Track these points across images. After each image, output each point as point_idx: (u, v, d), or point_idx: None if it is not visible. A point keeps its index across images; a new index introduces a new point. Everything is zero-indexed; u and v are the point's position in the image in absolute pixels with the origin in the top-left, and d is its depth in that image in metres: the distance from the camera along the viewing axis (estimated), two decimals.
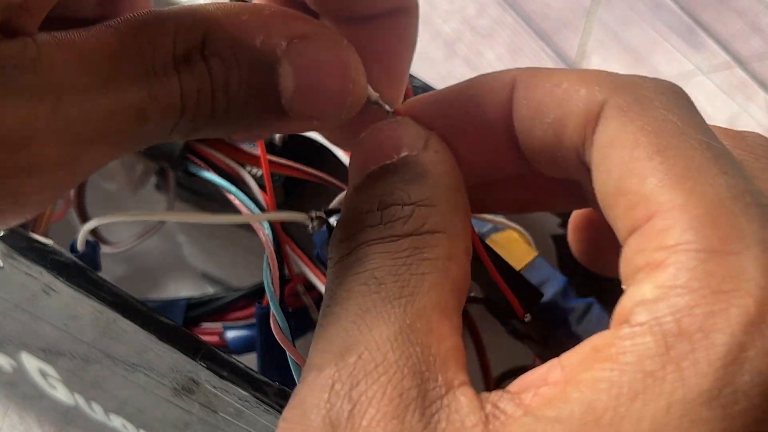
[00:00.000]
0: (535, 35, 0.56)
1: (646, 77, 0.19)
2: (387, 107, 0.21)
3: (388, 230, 0.19)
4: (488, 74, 0.21)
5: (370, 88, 0.21)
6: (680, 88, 0.19)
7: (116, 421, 0.37)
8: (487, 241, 0.32)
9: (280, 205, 0.32)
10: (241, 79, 0.18)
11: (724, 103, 0.53)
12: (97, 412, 0.37)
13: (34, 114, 0.15)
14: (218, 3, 0.18)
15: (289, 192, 0.36)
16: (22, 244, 0.29)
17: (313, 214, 0.22)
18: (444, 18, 0.56)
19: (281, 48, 0.18)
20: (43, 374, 0.37)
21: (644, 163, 0.17)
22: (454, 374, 0.17)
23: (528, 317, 0.24)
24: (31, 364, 0.36)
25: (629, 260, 0.17)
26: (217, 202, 0.34)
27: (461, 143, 0.21)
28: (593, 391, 0.15)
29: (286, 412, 0.18)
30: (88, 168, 0.17)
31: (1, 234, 0.29)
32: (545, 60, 0.55)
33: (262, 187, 0.32)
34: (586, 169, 0.19)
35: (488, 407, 0.16)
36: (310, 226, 0.22)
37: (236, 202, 0.31)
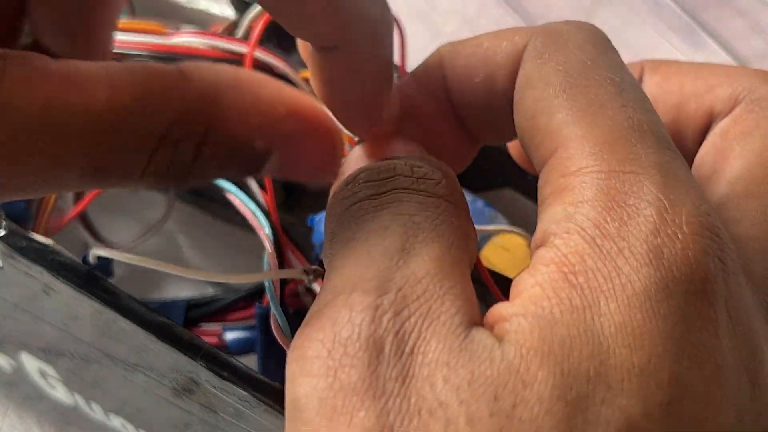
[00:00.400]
0: None
1: (568, 21, 0.21)
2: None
3: (421, 185, 0.19)
4: (420, 66, 0.22)
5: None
6: (598, 30, 0.20)
7: (116, 421, 0.37)
8: (490, 244, 0.32)
9: (281, 206, 0.32)
10: (225, 170, 0.19)
11: None
12: (96, 412, 0.37)
13: None
14: (234, 81, 0.18)
15: (289, 193, 0.36)
16: (22, 244, 0.29)
17: (310, 268, 0.22)
18: (444, 18, 0.56)
19: (278, 145, 0.19)
20: (43, 374, 0.37)
21: (552, 101, 0.18)
22: (477, 314, 0.17)
23: None
24: (31, 364, 0.36)
25: (540, 192, 0.18)
26: (218, 202, 0.34)
27: (423, 137, 0.22)
28: (558, 291, 0.16)
29: (305, 331, 0.17)
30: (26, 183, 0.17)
31: (2, 234, 0.29)
32: None
33: (262, 187, 0.32)
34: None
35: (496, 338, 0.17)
36: (307, 279, 0.22)
37: (236, 202, 0.31)
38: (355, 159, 0.21)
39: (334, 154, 0.20)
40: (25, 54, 0.16)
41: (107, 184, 0.17)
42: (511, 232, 0.32)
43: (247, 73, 0.19)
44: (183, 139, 0.17)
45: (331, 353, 0.16)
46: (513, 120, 0.20)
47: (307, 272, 0.22)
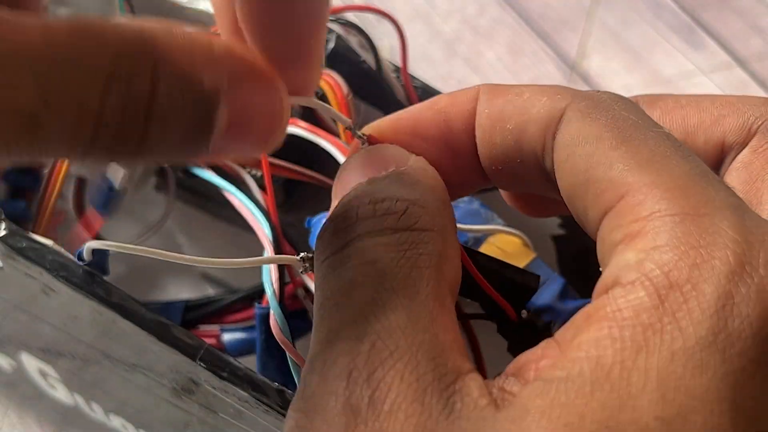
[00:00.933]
0: (535, 35, 0.56)
1: (600, 91, 0.21)
2: (360, 133, 0.22)
3: (384, 222, 0.19)
4: (453, 92, 0.22)
5: (343, 116, 0.22)
6: (629, 99, 0.20)
7: (116, 421, 0.37)
8: (486, 244, 0.32)
9: (280, 206, 0.32)
10: (182, 114, 0.18)
11: None
12: (96, 412, 0.37)
13: None
14: (166, 27, 0.18)
15: (289, 193, 0.36)
16: (21, 244, 0.29)
17: (303, 256, 0.22)
18: (444, 18, 0.56)
19: (223, 88, 0.18)
20: (43, 374, 0.37)
21: (609, 153, 0.18)
22: (461, 362, 0.17)
23: (524, 313, 0.24)
24: (31, 364, 0.36)
25: (605, 240, 0.18)
26: (217, 202, 0.34)
27: (430, 161, 0.21)
28: (597, 349, 0.16)
29: (297, 404, 0.18)
30: None
31: (1, 234, 0.29)
32: (545, 60, 0.55)
33: (262, 187, 0.32)
34: (545, 177, 0.20)
35: (495, 391, 0.16)
36: (302, 267, 0.22)
37: (236, 202, 0.31)
38: (349, 171, 0.21)
39: (281, 103, 0.19)
40: None
41: (64, 128, 0.16)
42: (507, 232, 0.32)
43: (169, 22, 0.18)
44: (133, 74, 0.16)
45: (312, 423, 0.17)
46: (532, 171, 0.20)
47: (303, 260, 0.22)
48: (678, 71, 0.55)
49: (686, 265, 0.16)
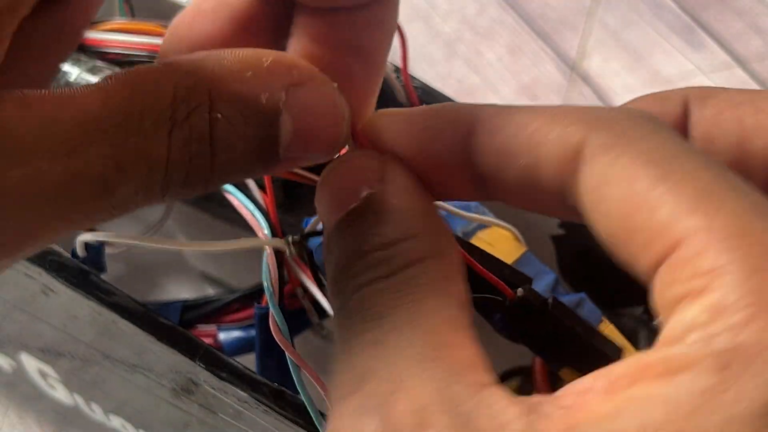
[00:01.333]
0: (535, 35, 0.56)
1: (614, 109, 0.19)
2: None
3: (377, 273, 0.18)
4: (452, 104, 0.20)
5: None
6: (650, 114, 0.18)
7: (115, 421, 0.37)
8: (474, 239, 0.32)
9: (280, 206, 0.32)
10: (246, 136, 0.18)
11: None
12: (96, 412, 0.37)
13: None
14: (215, 56, 0.18)
15: (288, 193, 0.36)
16: None
17: (290, 239, 0.22)
18: (444, 18, 0.56)
19: (282, 100, 0.18)
20: (43, 375, 0.37)
21: (648, 195, 0.16)
22: (483, 376, 0.17)
23: (520, 291, 0.24)
24: (31, 364, 0.36)
25: (663, 294, 0.16)
26: (217, 202, 0.34)
27: (422, 165, 0.20)
28: (647, 408, 0.15)
29: None
30: (35, 242, 0.17)
31: None
32: (545, 60, 0.55)
33: (261, 187, 0.32)
34: (570, 210, 0.19)
35: (526, 406, 0.16)
36: (288, 251, 0.22)
37: (236, 203, 0.31)
38: (322, 194, 0.20)
39: (336, 103, 0.19)
40: (16, 87, 0.16)
41: (134, 186, 0.17)
42: (498, 225, 0.32)
43: (215, 51, 0.18)
44: (192, 110, 0.17)
45: None
46: (547, 201, 0.19)
47: (290, 242, 0.22)
48: (678, 71, 0.54)
49: (756, 327, 0.15)
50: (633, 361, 0.16)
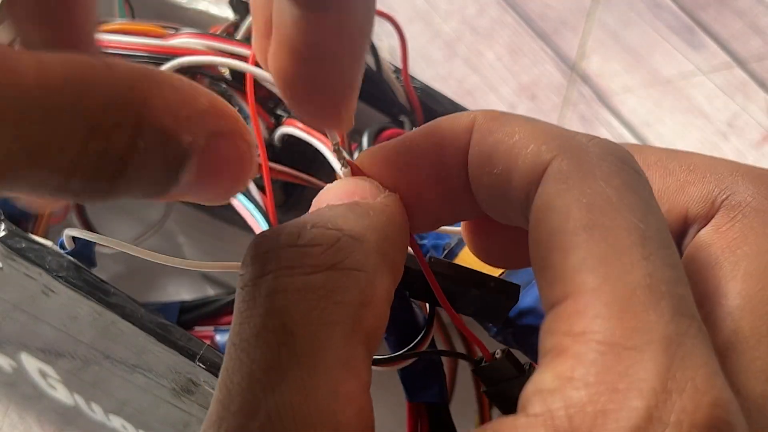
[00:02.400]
0: (535, 35, 0.56)
1: (595, 138, 0.19)
2: (345, 154, 0.21)
3: (305, 257, 0.18)
4: (449, 117, 0.20)
5: (334, 133, 0.20)
6: (628, 154, 0.18)
7: (116, 421, 0.37)
8: (462, 252, 0.31)
9: (279, 208, 0.32)
10: (155, 168, 0.17)
11: (724, 103, 0.53)
12: (96, 412, 0.37)
13: None
14: (157, 79, 0.17)
15: (288, 193, 0.36)
16: (21, 245, 0.29)
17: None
18: (444, 18, 0.56)
19: (200, 144, 0.18)
20: (43, 375, 0.37)
21: (570, 238, 0.17)
22: None
23: (498, 353, 0.24)
24: (31, 364, 0.36)
25: (542, 339, 0.17)
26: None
27: (419, 188, 0.20)
28: None
29: None
30: None
31: (1, 235, 0.29)
32: (545, 60, 0.55)
33: (261, 188, 0.32)
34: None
35: None
36: None
37: (235, 203, 0.31)
38: (315, 204, 0.20)
39: (248, 160, 0.19)
40: None
41: (36, 174, 0.16)
42: None
43: (159, 70, 0.18)
44: (116, 126, 0.16)
45: None
46: (513, 210, 0.19)
47: None
48: (677, 71, 0.55)
49: (593, 411, 0.15)
50: (489, 428, 0.16)
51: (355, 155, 0.34)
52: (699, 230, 0.20)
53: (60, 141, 0.16)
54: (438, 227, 0.21)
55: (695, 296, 0.17)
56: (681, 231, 0.21)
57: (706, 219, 0.20)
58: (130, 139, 0.16)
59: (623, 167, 0.18)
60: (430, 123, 0.21)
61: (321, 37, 0.19)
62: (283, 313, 0.17)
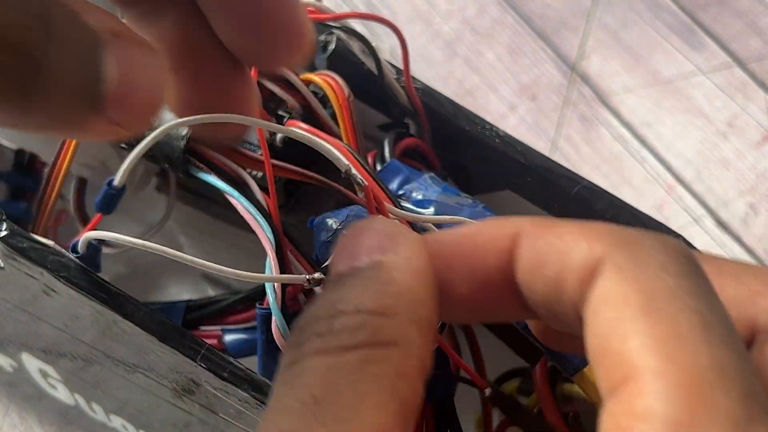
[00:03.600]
0: (535, 35, 0.56)
1: (649, 233, 0.19)
2: (359, 178, 0.20)
3: (335, 341, 0.17)
4: (490, 222, 0.20)
5: (342, 158, 0.20)
6: (684, 247, 0.18)
7: (116, 421, 0.37)
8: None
9: (281, 208, 0.32)
10: (71, 54, 0.17)
11: (724, 103, 0.53)
12: (97, 412, 0.37)
13: None
14: None
15: (290, 194, 0.36)
16: (22, 244, 0.29)
17: (311, 277, 0.22)
18: (444, 18, 0.56)
19: (107, 36, 0.17)
20: (44, 375, 0.37)
21: (629, 324, 0.16)
22: None
23: (488, 391, 0.23)
24: (32, 364, 0.36)
25: (601, 422, 0.17)
26: (219, 203, 0.34)
27: (460, 287, 0.20)
28: None
29: None
30: None
31: (2, 234, 0.29)
32: (545, 60, 0.55)
33: (263, 188, 0.32)
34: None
35: None
36: (307, 284, 0.22)
37: (237, 204, 0.31)
38: (337, 251, 0.20)
39: (162, 72, 0.19)
40: None
41: None
42: None
43: None
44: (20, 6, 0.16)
45: None
46: (567, 314, 0.19)
47: (309, 281, 0.22)
48: (677, 71, 0.55)
49: None
50: None
51: (376, 164, 0.34)
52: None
53: None
54: (479, 320, 0.21)
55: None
56: (747, 341, 0.20)
57: None
58: (41, 23, 0.16)
59: (678, 257, 0.18)
60: (470, 227, 0.20)
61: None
62: (311, 387, 0.17)
